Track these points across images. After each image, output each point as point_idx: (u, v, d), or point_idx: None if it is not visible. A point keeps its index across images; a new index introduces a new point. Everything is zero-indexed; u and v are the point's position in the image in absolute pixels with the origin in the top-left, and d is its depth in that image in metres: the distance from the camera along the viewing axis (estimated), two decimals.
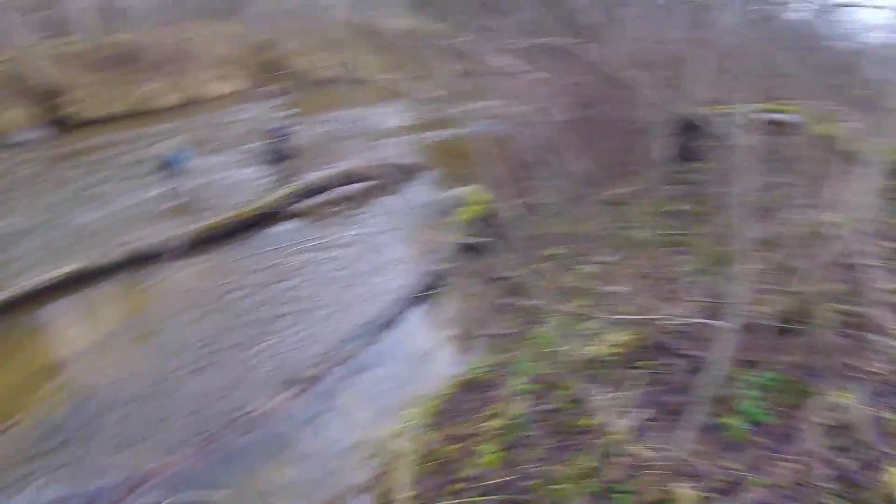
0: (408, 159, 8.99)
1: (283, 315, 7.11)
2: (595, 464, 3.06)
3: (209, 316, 7.13)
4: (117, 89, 17.39)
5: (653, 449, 3.04)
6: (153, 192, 10.88)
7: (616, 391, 3.53)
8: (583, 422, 3.46)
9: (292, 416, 5.13)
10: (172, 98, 18.42)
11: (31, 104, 16.07)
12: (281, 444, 5.05)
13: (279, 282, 7.81)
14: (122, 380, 6.11)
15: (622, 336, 4.28)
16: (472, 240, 6.48)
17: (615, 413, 3.23)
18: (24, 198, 11.29)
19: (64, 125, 16.24)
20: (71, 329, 7.27)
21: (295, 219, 9.70)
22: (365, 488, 4.27)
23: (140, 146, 13.23)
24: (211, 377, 6.10)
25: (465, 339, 6.51)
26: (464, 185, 9.11)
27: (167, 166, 10.65)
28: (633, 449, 3.00)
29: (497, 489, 3.33)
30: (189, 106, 18.52)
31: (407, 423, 4.49)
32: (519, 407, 3.97)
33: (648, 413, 3.39)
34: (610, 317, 4.39)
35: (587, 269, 5.02)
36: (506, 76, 5.63)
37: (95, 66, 17.63)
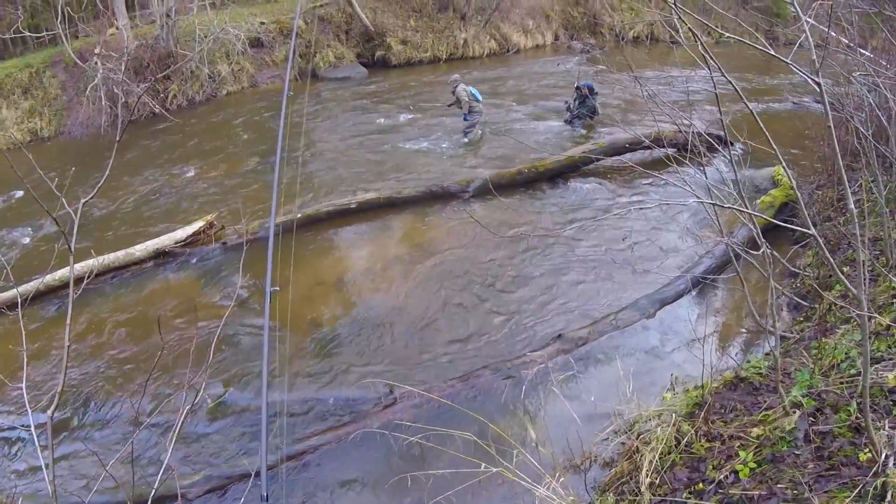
0: (715, 129, 8.45)
1: (559, 271, 7.34)
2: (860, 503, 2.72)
3: (488, 259, 7.63)
4: (431, 35, 18.96)
5: None
6: (453, 137, 11.76)
7: None
8: (860, 455, 3.06)
9: (551, 372, 5.31)
10: (484, 46, 19.54)
11: (354, 45, 18.36)
12: (534, 396, 5.32)
13: (560, 238, 8.00)
14: (395, 304, 6.86)
15: None
16: (773, 226, 5.92)
17: None
18: (331, 129, 12.96)
19: (379, 66, 18.30)
20: (358, 251, 8.23)
21: (591, 177, 9.75)
22: (606, 462, 4.35)
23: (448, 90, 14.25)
24: (479, 318, 6.59)
25: (744, 334, 6.06)
26: (772, 166, 8.23)
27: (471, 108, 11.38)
28: None
29: (742, 502, 3.15)
30: (500, 56, 19.48)
31: (664, 408, 4.41)
32: (790, 421, 3.64)
33: None
34: None
35: None
36: (839, 50, 4.90)
37: (413, 11, 19.33)
